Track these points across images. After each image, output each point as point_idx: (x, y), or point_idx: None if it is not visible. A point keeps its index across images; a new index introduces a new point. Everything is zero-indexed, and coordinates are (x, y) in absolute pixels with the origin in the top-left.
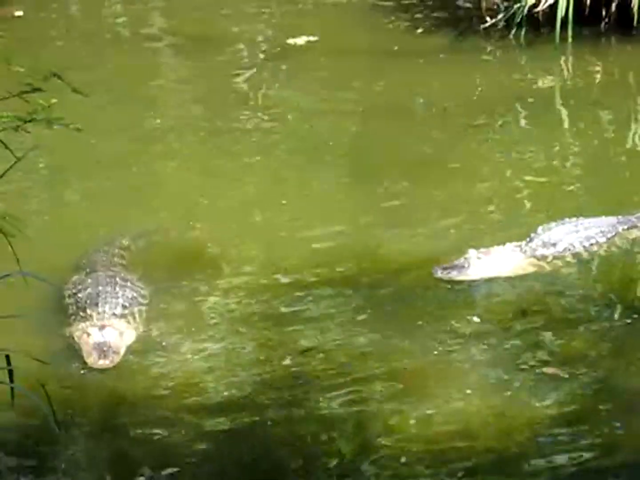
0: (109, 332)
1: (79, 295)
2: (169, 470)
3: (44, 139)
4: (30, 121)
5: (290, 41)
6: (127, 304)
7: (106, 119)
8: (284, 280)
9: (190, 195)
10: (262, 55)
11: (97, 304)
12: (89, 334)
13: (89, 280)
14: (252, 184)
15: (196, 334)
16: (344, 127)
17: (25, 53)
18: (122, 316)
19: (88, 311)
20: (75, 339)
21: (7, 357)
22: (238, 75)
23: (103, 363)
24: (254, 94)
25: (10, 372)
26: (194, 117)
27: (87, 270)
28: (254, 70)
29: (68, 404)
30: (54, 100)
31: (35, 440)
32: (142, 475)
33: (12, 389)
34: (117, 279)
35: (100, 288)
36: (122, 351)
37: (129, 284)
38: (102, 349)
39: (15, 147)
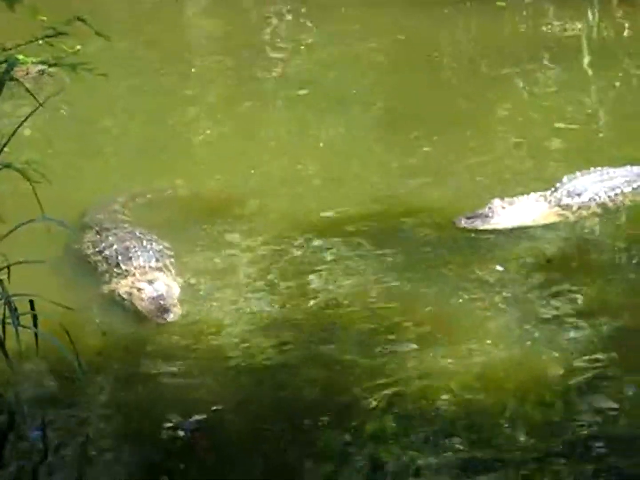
0: (160, 285)
1: (106, 252)
2: (197, 417)
3: (72, 87)
4: (54, 65)
5: None
6: (158, 257)
7: (133, 65)
8: (311, 229)
9: (217, 149)
10: (287, 7)
11: (130, 259)
12: (140, 289)
13: (110, 238)
14: (278, 135)
15: (225, 285)
16: (369, 78)
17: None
18: (158, 269)
19: (123, 267)
20: (124, 295)
21: (31, 302)
22: (265, 25)
23: (168, 317)
24: (280, 44)
25: (35, 317)
26: (222, 66)
27: (97, 228)
28: (280, 21)
29: (93, 351)
30: (78, 47)
31: (60, 387)
32: (171, 421)
33: (36, 334)
34: (138, 233)
35: (127, 243)
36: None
37: (151, 238)
38: (160, 303)
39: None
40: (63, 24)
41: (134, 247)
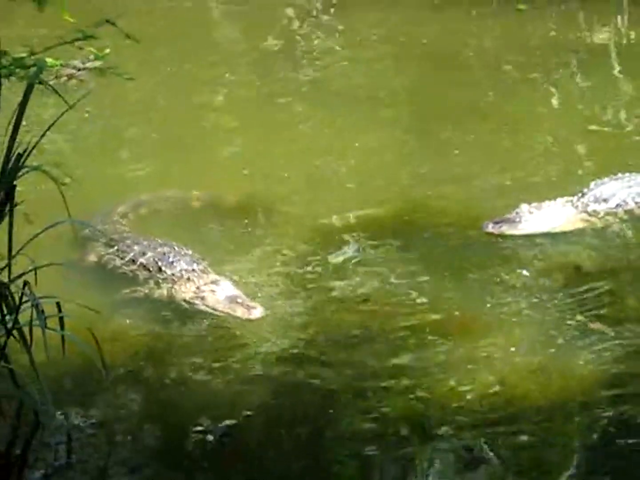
0: (226, 284)
1: (142, 260)
2: (227, 423)
3: (99, 89)
4: (83, 69)
5: None
6: (197, 261)
7: (161, 69)
8: (336, 230)
9: (241, 152)
10: (312, 8)
11: (172, 263)
12: (212, 291)
13: (136, 247)
14: (303, 134)
15: (251, 285)
16: (396, 80)
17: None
18: (202, 271)
19: (168, 271)
20: (194, 301)
21: (58, 304)
22: (287, 26)
23: (258, 313)
24: (304, 46)
25: (61, 319)
26: (246, 69)
27: (106, 240)
28: (303, 22)
29: (117, 353)
30: (107, 50)
31: (85, 388)
32: (200, 425)
33: (62, 336)
34: (161, 241)
35: (160, 249)
36: None
37: (177, 245)
38: (237, 301)
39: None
40: (92, 27)
41: (170, 252)
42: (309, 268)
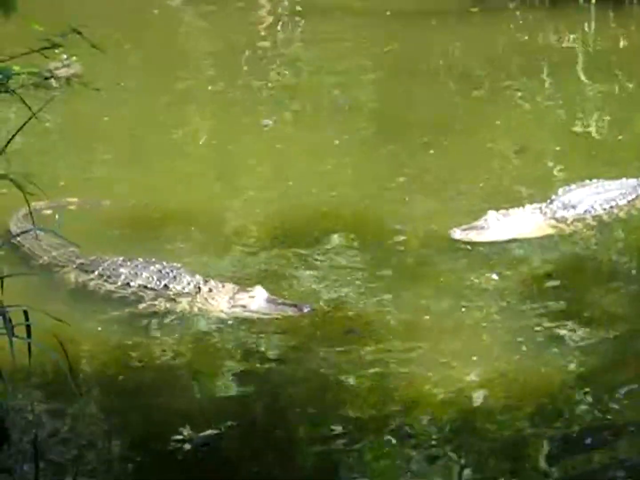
0: (260, 289)
1: (138, 282)
2: (208, 433)
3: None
4: (49, 78)
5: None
6: (192, 273)
7: (126, 73)
8: (304, 239)
9: (209, 160)
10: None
11: (175, 278)
12: (253, 297)
13: (122, 269)
14: (272, 145)
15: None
16: (365, 88)
17: (47, 9)
18: (206, 281)
19: (177, 287)
20: (234, 310)
21: (25, 312)
22: (257, 34)
23: (309, 307)
24: (274, 53)
25: (28, 328)
26: (214, 74)
27: (77, 264)
28: (274, 28)
29: (87, 362)
30: (74, 58)
31: (54, 397)
32: (177, 434)
33: (29, 344)
34: (140, 259)
35: (152, 267)
36: None
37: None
38: (279, 302)
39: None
40: (58, 36)
41: (164, 268)
42: (274, 274)
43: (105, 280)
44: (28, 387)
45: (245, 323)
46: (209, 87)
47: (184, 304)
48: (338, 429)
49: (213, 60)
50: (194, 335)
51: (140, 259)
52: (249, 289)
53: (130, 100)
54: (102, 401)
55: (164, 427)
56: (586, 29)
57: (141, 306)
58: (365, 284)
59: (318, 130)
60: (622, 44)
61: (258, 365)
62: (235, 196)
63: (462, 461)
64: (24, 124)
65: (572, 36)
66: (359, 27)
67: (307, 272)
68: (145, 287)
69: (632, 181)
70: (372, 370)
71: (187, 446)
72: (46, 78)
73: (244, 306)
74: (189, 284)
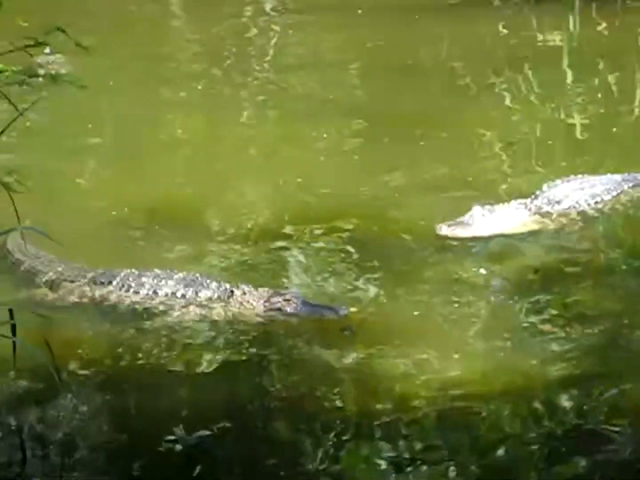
0: (294, 292)
1: (165, 290)
2: (200, 433)
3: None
4: (34, 76)
5: None
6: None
7: (113, 73)
8: (293, 236)
9: (197, 158)
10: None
11: (199, 285)
12: (288, 300)
13: (144, 279)
14: (255, 140)
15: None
16: (350, 84)
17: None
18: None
19: (207, 293)
20: (272, 314)
21: (10, 311)
22: (244, 31)
23: (344, 309)
24: (258, 51)
25: (13, 327)
26: (201, 71)
27: (88, 279)
28: (261, 25)
29: (74, 361)
30: (58, 55)
31: (39, 396)
32: (168, 434)
33: (14, 342)
34: (156, 269)
35: (176, 276)
36: None
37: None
38: (314, 304)
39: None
40: (43, 34)
41: (186, 276)
42: (261, 271)
43: (127, 291)
44: (15, 385)
45: (237, 322)
46: (198, 87)
47: (218, 309)
48: (331, 427)
49: (200, 57)
50: (183, 334)
51: (157, 270)
52: (283, 292)
53: (117, 99)
54: (96, 400)
55: (157, 427)
56: (570, 23)
57: (175, 314)
58: (355, 281)
59: (306, 126)
60: (606, 38)
61: (253, 364)
62: (224, 194)
63: (444, 460)
64: (10, 123)
65: (556, 31)
66: (343, 22)
67: (296, 269)
68: (174, 295)
69: (617, 177)
70: (365, 367)
71: (180, 446)
72: (30, 76)
73: (279, 309)
74: (218, 289)
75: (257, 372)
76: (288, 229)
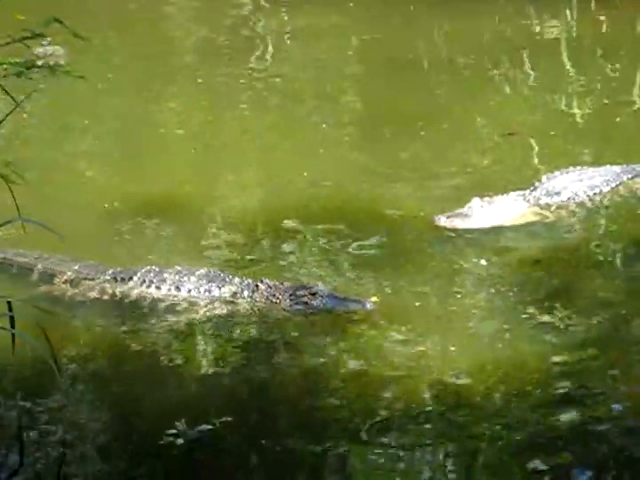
0: (320, 286)
1: (189, 286)
2: (201, 427)
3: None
4: (32, 67)
5: None
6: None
7: (111, 66)
8: (288, 229)
9: (190, 152)
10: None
11: (225, 280)
12: (314, 294)
13: (166, 275)
14: (252, 132)
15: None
16: (347, 77)
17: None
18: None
19: (232, 288)
20: (299, 307)
21: (9, 303)
22: (243, 26)
23: (370, 303)
24: (256, 43)
25: (12, 319)
26: (197, 66)
27: (108, 275)
28: (260, 20)
29: (73, 353)
30: (56, 46)
31: (37, 388)
32: (168, 428)
33: (13, 334)
34: (176, 266)
35: (197, 272)
36: None
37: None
38: (340, 297)
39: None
40: (40, 26)
41: (207, 272)
42: (259, 264)
43: (148, 287)
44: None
45: (240, 315)
46: (198, 80)
47: (244, 304)
48: (332, 422)
49: (198, 51)
50: (185, 326)
51: (178, 266)
52: (309, 285)
53: (115, 92)
54: (95, 392)
55: (158, 421)
56: (568, 15)
57: (201, 311)
58: (349, 271)
59: (305, 119)
60: (604, 29)
61: (253, 357)
62: (223, 186)
63: (443, 455)
64: (8, 115)
65: (554, 23)
66: (340, 15)
67: (296, 261)
68: (198, 289)
69: (616, 168)
70: (366, 359)
71: (181, 440)
72: (28, 67)
73: (305, 303)
74: (241, 284)
75: (259, 365)
76: (288, 223)
